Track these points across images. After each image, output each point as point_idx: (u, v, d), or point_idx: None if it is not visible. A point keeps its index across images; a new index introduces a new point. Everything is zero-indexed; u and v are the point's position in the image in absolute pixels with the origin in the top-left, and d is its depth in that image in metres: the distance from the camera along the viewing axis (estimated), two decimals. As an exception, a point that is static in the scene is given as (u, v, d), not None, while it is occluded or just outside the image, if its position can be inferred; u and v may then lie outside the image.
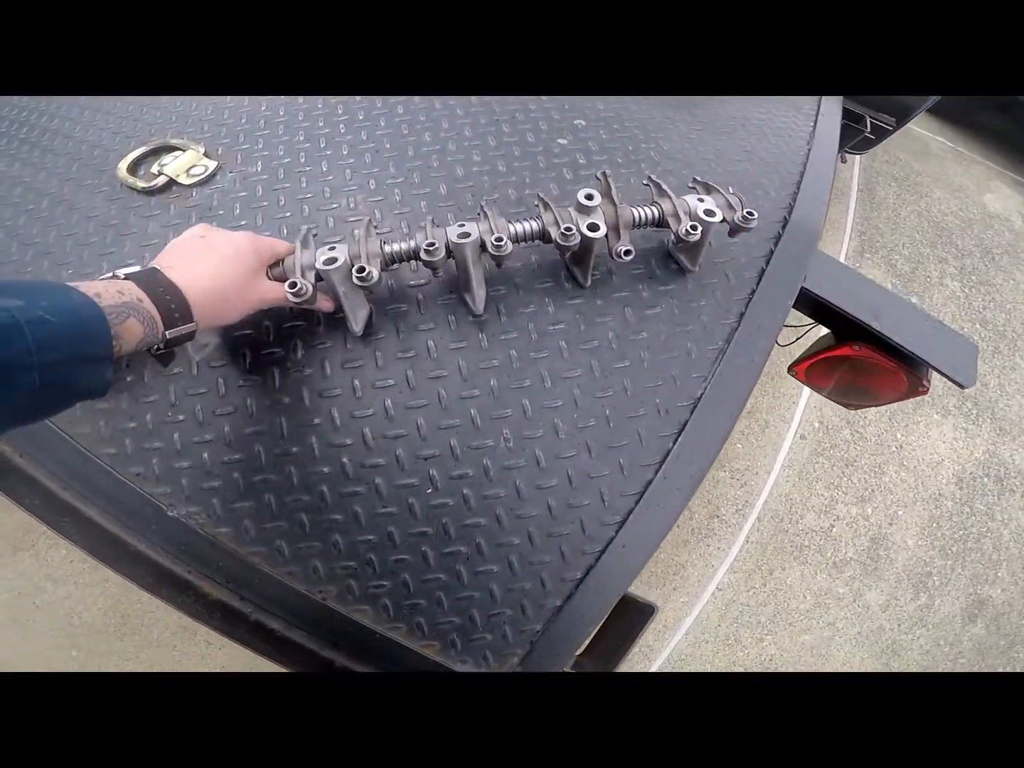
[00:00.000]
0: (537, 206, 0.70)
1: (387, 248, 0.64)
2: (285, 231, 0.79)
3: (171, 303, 0.49)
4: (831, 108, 1.16)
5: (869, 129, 1.71)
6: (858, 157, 3.02)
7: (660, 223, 0.69)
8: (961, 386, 0.80)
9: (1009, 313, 2.48)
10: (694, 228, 0.65)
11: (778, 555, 1.79)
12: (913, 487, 1.96)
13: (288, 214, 0.81)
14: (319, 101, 0.97)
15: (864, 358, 0.84)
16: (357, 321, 0.67)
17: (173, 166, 0.86)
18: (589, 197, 0.65)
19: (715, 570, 1.72)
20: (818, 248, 0.84)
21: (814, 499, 1.85)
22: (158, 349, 0.51)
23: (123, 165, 0.87)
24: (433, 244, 0.61)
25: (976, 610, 1.84)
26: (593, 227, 0.64)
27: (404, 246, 0.64)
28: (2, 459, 0.69)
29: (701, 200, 0.70)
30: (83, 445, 0.66)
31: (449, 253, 0.64)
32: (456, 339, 0.70)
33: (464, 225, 0.64)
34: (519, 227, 0.66)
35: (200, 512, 0.64)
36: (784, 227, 0.83)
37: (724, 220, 0.69)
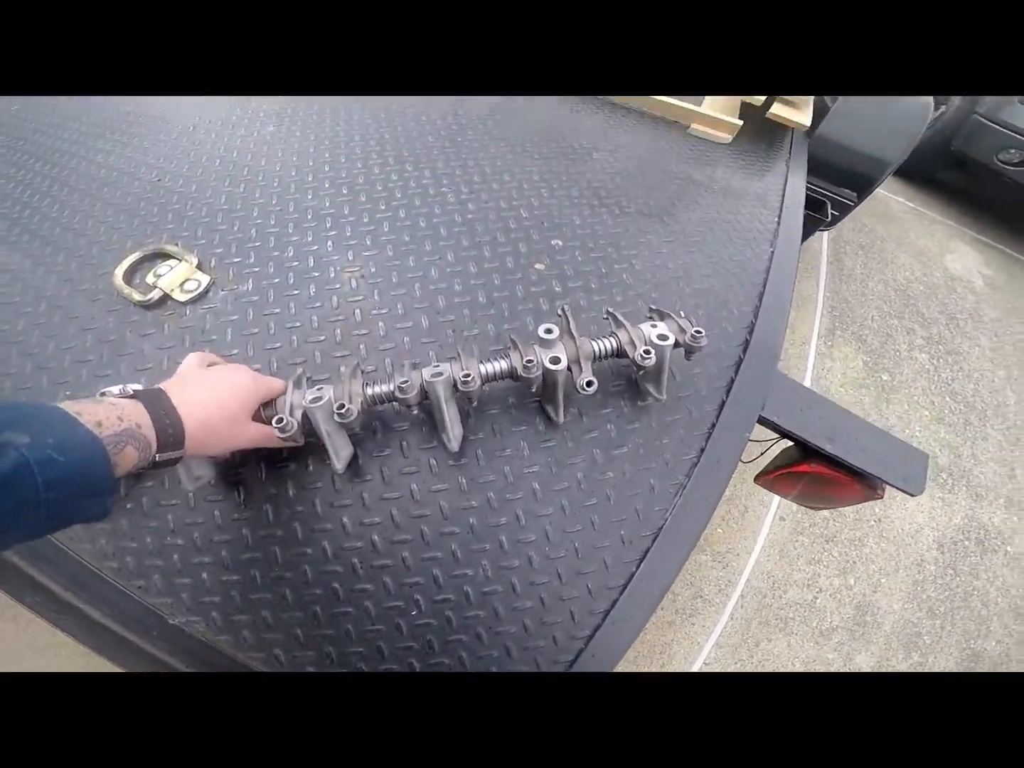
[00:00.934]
0: (508, 347, 0.75)
1: (368, 390, 0.69)
2: (275, 363, 0.82)
3: (169, 428, 0.51)
4: (794, 200, 1.25)
5: (829, 219, 1.81)
6: None
7: (619, 353, 0.74)
8: (911, 494, 0.85)
9: (977, 383, 2.56)
10: (647, 353, 0.70)
11: (763, 628, 1.79)
12: (894, 556, 1.99)
13: (278, 344, 0.84)
14: (307, 211, 1.03)
15: (821, 474, 0.89)
16: (339, 459, 0.69)
17: (168, 279, 0.90)
18: (548, 331, 0.70)
19: (701, 647, 1.71)
20: (777, 371, 0.89)
21: (796, 574, 1.86)
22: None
23: (119, 272, 0.90)
24: (407, 382, 0.67)
25: (972, 663, 1.85)
26: (555, 360, 0.69)
27: (384, 388, 0.69)
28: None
29: (654, 326, 0.74)
30: (85, 559, 0.70)
31: (424, 393, 0.68)
32: (437, 482, 0.74)
33: (438, 366, 0.69)
34: (489, 367, 0.71)
35: (200, 621, 0.68)
36: (745, 350, 0.89)
37: (677, 343, 0.74)
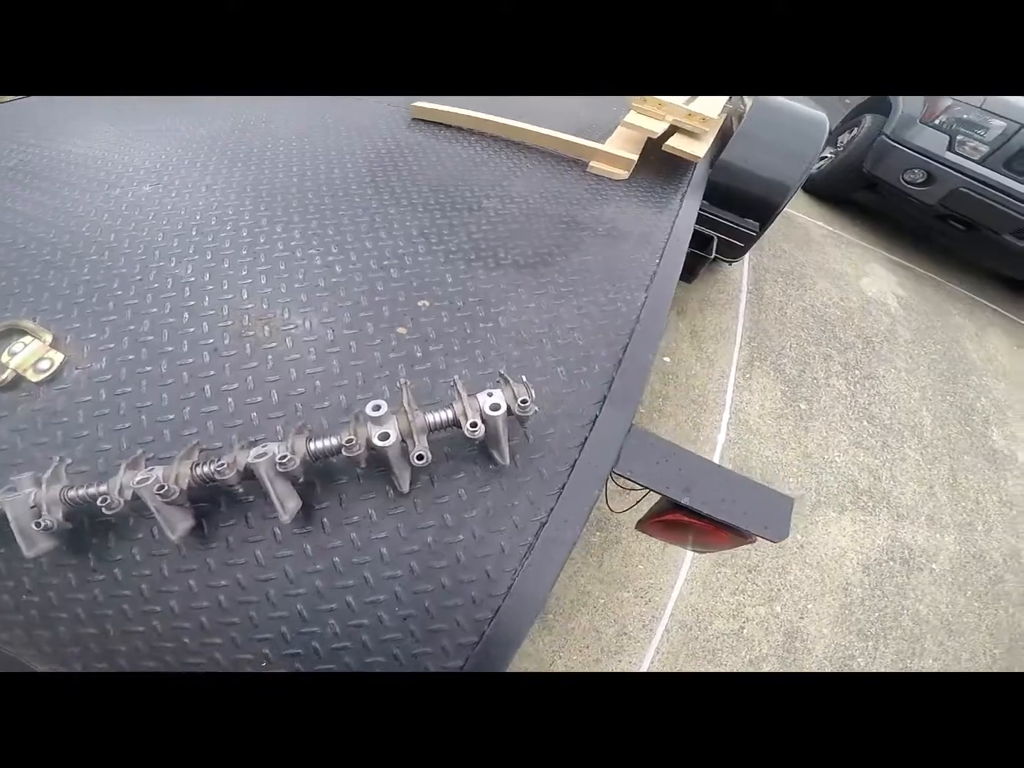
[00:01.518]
0: (348, 421, 0.74)
1: (198, 470, 0.70)
2: (124, 444, 0.81)
3: None
4: (679, 239, 1.28)
5: (713, 255, 1.82)
6: (747, 256, 3.27)
7: (455, 423, 0.75)
8: (772, 541, 0.86)
9: (893, 405, 2.61)
10: (474, 426, 0.72)
11: (692, 660, 1.78)
12: (819, 581, 2.01)
13: (128, 424, 0.83)
14: (168, 279, 1.01)
15: (686, 522, 0.90)
16: (175, 531, 0.70)
17: (20, 358, 0.87)
18: (376, 408, 0.70)
19: (628, 685, 1.69)
20: (635, 426, 0.90)
21: (720, 605, 1.84)
22: None
23: None
24: (223, 464, 0.68)
25: (908, 683, 1.86)
26: (384, 436, 0.70)
27: (207, 469, 0.70)
28: None
29: (490, 395, 0.75)
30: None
31: (248, 472, 0.69)
32: (284, 549, 0.75)
33: (265, 447, 0.70)
34: (317, 444, 0.71)
35: None
36: (603, 406, 0.89)
37: (511, 411, 0.75)
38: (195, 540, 0.74)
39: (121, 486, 0.68)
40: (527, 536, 0.77)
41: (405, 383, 0.77)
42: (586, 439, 0.85)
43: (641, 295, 1.11)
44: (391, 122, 1.67)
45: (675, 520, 0.93)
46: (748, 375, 2.57)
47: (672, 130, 1.67)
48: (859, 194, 4.04)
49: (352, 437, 0.68)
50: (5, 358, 0.87)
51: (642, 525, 1.02)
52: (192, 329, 0.94)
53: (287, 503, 0.71)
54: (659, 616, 1.78)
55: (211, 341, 0.92)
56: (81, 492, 0.70)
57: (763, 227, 2.02)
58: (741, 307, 2.91)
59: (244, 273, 1.03)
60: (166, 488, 0.67)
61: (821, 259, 3.50)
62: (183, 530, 0.71)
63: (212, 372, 0.88)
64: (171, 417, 0.84)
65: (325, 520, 0.76)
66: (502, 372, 0.82)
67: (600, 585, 1.81)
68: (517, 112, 1.63)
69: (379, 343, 0.93)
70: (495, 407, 0.73)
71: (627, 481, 0.88)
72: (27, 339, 0.89)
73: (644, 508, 1.07)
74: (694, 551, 1.09)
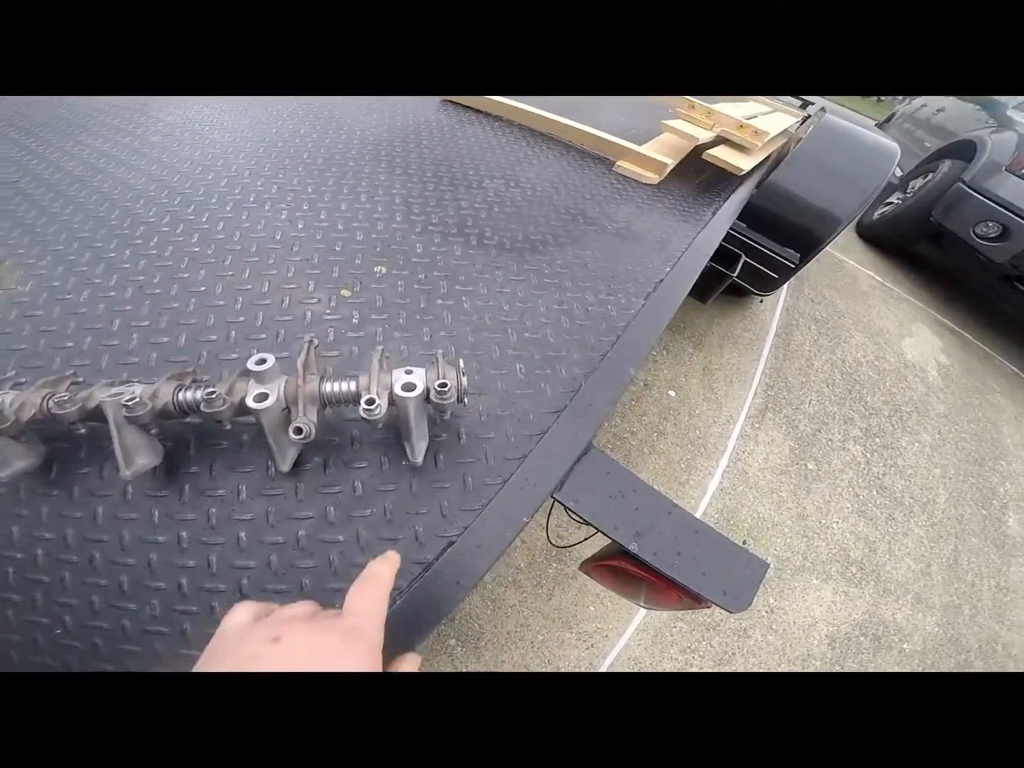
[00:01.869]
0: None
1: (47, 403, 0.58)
2: (12, 362, 0.72)
3: None
4: (700, 251, 1.13)
5: (737, 273, 1.63)
6: (782, 295, 3.07)
7: (355, 399, 0.62)
8: (728, 611, 0.71)
9: (909, 479, 2.40)
10: (370, 404, 0.57)
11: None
12: (780, 649, 1.80)
13: (23, 346, 0.73)
14: (139, 227, 0.92)
15: (630, 573, 0.75)
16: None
17: None
18: (261, 362, 0.58)
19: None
20: (593, 447, 0.76)
21: (666, 662, 1.66)
22: None
23: None
24: (65, 398, 0.57)
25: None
26: (260, 397, 0.57)
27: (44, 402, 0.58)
28: None
29: (409, 372, 0.62)
30: None
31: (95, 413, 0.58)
32: (129, 510, 0.62)
33: (131, 386, 0.59)
34: (185, 395, 0.59)
35: None
36: (558, 418, 0.76)
37: (428, 397, 0.62)
38: (36, 480, 0.63)
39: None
40: (427, 554, 0.63)
41: (311, 340, 0.63)
42: (529, 452, 0.72)
43: (639, 301, 0.96)
44: (418, 99, 1.59)
45: (620, 568, 0.78)
46: (757, 425, 2.37)
47: (719, 141, 1.56)
48: (920, 246, 3.76)
49: (215, 390, 0.56)
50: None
51: (585, 567, 0.87)
52: (127, 266, 0.85)
53: (136, 457, 0.59)
54: (597, 665, 1.61)
55: (141, 278, 0.82)
56: None
57: (803, 260, 1.85)
58: (765, 350, 2.70)
59: (203, 220, 0.94)
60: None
61: (863, 311, 3.25)
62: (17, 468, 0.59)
63: (129, 308, 0.78)
64: (69, 345, 0.73)
65: (187, 487, 0.63)
66: (439, 353, 0.69)
67: (543, 620, 1.64)
68: (557, 108, 1.52)
69: (315, 302, 0.82)
70: (408, 387, 0.60)
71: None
72: None
73: (594, 547, 0.93)
74: (644, 607, 0.93)
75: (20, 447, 0.60)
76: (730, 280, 1.63)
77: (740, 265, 1.62)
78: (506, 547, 0.67)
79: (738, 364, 2.58)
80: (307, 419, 0.58)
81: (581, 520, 0.74)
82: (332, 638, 0.34)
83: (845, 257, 3.72)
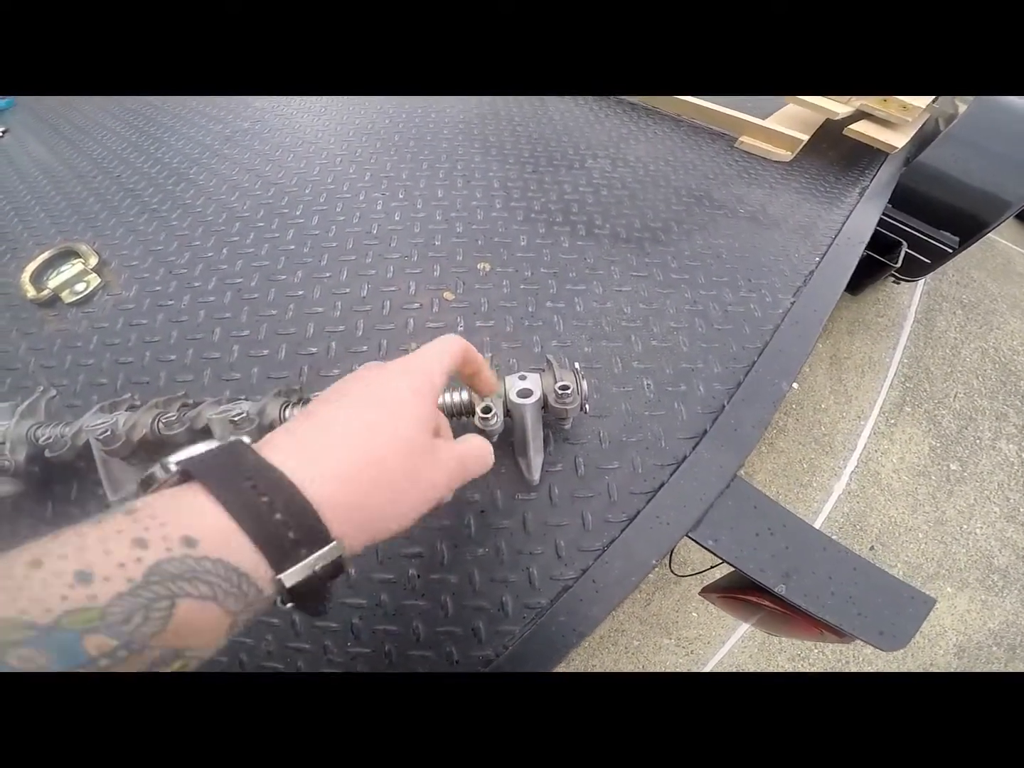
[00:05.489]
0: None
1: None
2: (121, 378, 0.72)
3: (282, 519, 0.24)
4: (854, 238, 0.95)
5: (900, 263, 1.46)
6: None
7: (467, 411, 0.55)
8: (882, 649, 0.61)
9: None
10: (487, 412, 0.50)
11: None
12: (899, 657, 1.61)
13: (131, 359, 0.74)
14: (235, 223, 0.91)
15: (767, 609, 0.65)
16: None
17: (61, 278, 0.85)
18: None
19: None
20: (739, 478, 0.63)
21: (771, 670, 1.53)
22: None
23: (30, 267, 0.87)
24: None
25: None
26: None
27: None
28: None
29: (523, 378, 0.55)
30: None
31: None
32: None
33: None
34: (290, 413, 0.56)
35: None
36: (696, 446, 0.64)
37: (547, 404, 0.55)
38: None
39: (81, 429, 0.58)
40: (540, 598, 0.55)
41: (415, 346, 0.57)
42: (661, 486, 0.61)
43: (786, 299, 0.80)
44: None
45: (754, 603, 0.67)
46: (893, 421, 2.08)
47: (858, 116, 1.37)
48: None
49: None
50: (52, 277, 0.86)
51: (709, 595, 0.77)
52: (225, 266, 0.83)
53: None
54: (694, 672, 1.49)
55: (239, 280, 0.80)
56: (45, 431, 0.61)
57: (964, 244, 1.62)
58: (902, 338, 2.36)
59: (298, 213, 0.90)
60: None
61: (1020, 295, 2.74)
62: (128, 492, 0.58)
63: (229, 315, 0.76)
64: (172, 358, 0.73)
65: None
66: (550, 357, 0.59)
67: (640, 626, 1.55)
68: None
69: (417, 307, 0.74)
70: (524, 393, 0.52)
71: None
72: (77, 261, 0.88)
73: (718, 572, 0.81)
74: (765, 632, 0.82)
75: (131, 469, 0.59)
76: (890, 271, 1.42)
77: (902, 254, 1.41)
78: (629, 593, 0.58)
79: (871, 353, 2.28)
80: None
81: (720, 559, 0.63)
82: (388, 374, 0.34)
83: (997, 236, 3.16)
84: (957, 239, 1.58)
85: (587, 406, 0.56)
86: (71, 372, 0.73)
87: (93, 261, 0.87)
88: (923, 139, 1.52)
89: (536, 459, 0.59)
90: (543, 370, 0.58)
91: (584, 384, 0.55)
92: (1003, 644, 1.69)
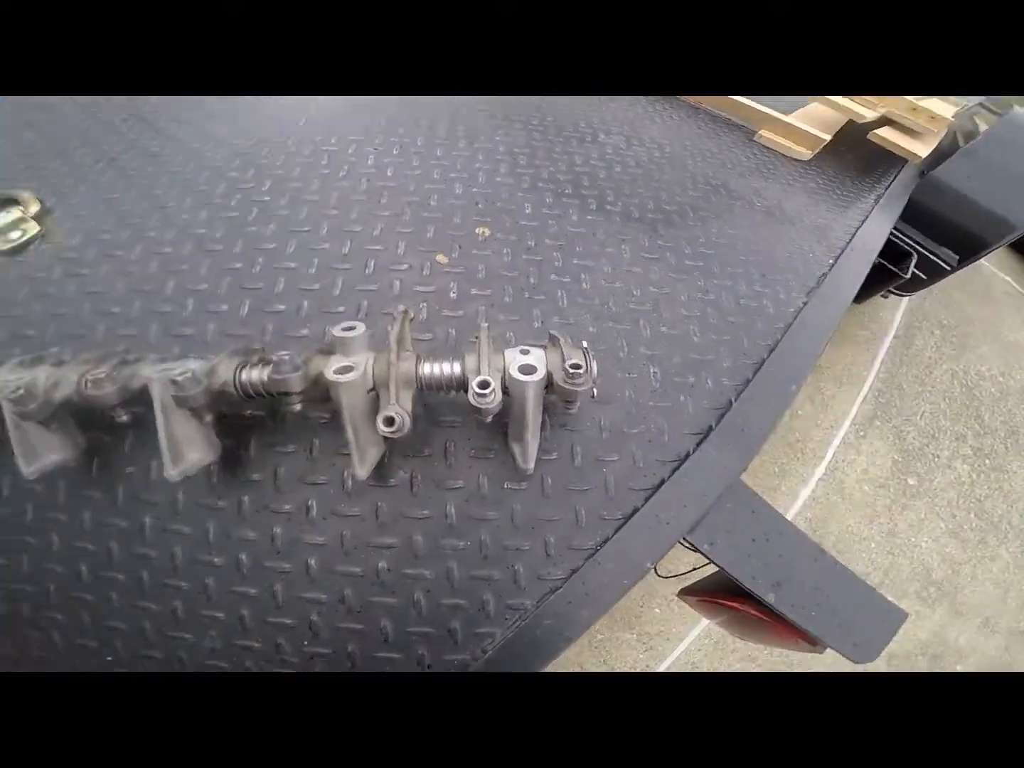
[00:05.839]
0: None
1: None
2: (52, 330, 0.64)
3: None
4: (868, 244, 0.93)
5: (910, 274, 1.45)
6: None
7: (461, 384, 0.49)
8: (853, 661, 0.62)
9: (1012, 505, 2.13)
10: (484, 387, 0.44)
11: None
12: (829, 667, 1.66)
13: (64, 310, 0.65)
14: (203, 172, 0.81)
15: (752, 617, 0.63)
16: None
17: None
18: (349, 328, 0.47)
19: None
20: (740, 482, 0.59)
21: (722, 668, 1.57)
22: None
23: None
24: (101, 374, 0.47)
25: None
26: (344, 369, 0.45)
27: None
28: None
29: (525, 352, 0.49)
30: None
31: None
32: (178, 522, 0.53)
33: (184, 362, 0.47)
34: (247, 374, 0.49)
35: None
36: (701, 442, 0.59)
37: (551, 383, 0.49)
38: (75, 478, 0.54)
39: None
40: (525, 599, 0.50)
41: (405, 311, 0.50)
42: (662, 483, 0.56)
43: (799, 298, 0.76)
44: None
45: (736, 610, 0.65)
46: (863, 433, 2.13)
47: (883, 122, 1.35)
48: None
49: (288, 354, 0.44)
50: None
51: (687, 596, 0.75)
52: (186, 217, 0.73)
53: (186, 451, 0.47)
54: (653, 668, 1.52)
55: (202, 231, 0.70)
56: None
57: (962, 263, 1.65)
58: (881, 352, 2.42)
59: (278, 164, 0.81)
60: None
61: (995, 320, 2.84)
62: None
63: (186, 266, 0.66)
64: (117, 310, 0.63)
65: (245, 499, 0.52)
66: (555, 333, 0.53)
67: (605, 619, 1.52)
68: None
69: (405, 268, 0.67)
70: (527, 369, 0.46)
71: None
72: (15, 208, 0.79)
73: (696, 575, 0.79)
74: (731, 634, 0.81)
75: (52, 436, 0.50)
76: (899, 280, 1.43)
77: (912, 264, 1.41)
78: (621, 596, 0.54)
79: (850, 364, 2.33)
80: (400, 407, 0.44)
81: (708, 560, 0.60)
82: None
83: (982, 259, 3.26)
84: (957, 257, 1.61)
85: (595, 390, 0.51)
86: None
87: (34, 209, 0.78)
88: (940, 153, 1.52)
89: (532, 444, 0.52)
90: (546, 347, 0.51)
91: (594, 365, 0.49)
92: (928, 654, 1.80)
